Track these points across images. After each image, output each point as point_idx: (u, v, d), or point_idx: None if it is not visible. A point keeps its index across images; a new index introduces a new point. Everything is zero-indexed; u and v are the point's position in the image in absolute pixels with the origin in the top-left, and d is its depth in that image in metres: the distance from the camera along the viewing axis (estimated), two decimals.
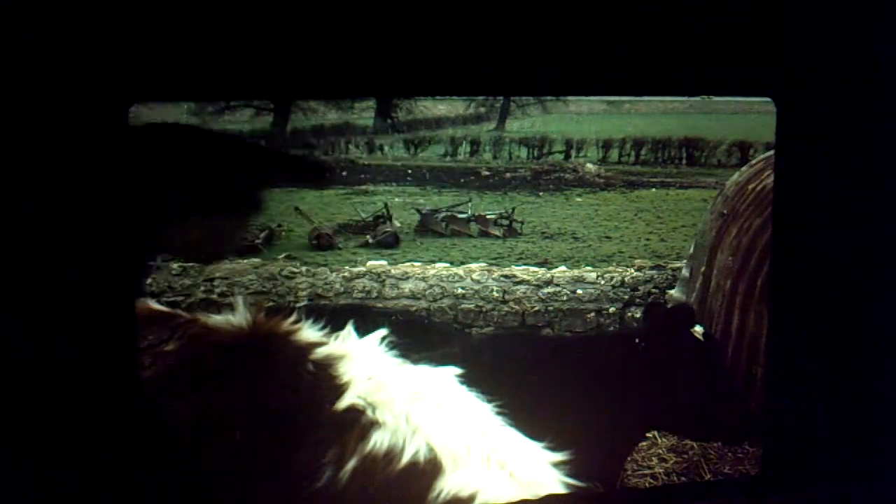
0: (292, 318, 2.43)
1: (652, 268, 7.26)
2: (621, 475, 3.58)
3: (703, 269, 4.84)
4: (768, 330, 2.10)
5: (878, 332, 1.91)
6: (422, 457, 2.07)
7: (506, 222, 14.09)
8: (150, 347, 2.33)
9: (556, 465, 2.14)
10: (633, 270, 7.24)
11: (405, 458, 2.07)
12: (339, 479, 2.08)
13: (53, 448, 1.78)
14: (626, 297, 7.05)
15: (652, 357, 3.15)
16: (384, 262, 7.74)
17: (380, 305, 6.88)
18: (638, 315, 6.65)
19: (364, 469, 2.07)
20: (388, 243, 12.55)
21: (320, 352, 2.33)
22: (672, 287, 6.35)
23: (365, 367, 2.28)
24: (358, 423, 2.14)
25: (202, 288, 6.93)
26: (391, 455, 2.08)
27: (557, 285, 7.20)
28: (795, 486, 1.94)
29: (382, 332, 2.41)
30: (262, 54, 1.67)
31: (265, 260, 8.94)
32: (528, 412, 2.30)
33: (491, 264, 8.74)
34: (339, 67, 1.68)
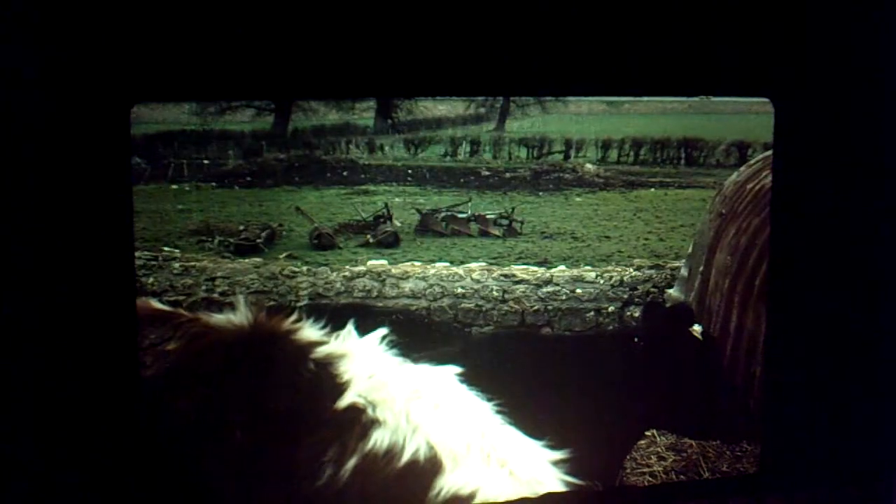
0: (293, 318, 2.43)
1: (651, 267, 7.26)
2: (620, 473, 3.58)
3: (701, 268, 4.84)
4: (767, 329, 2.11)
5: (877, 332, 1.92)
6: (422, 455, 2.08)
7: (506, 222, 14.06)
8: (151, 347, 2.34)
9: (556, 463, 2.15)
10: (631, 270, 7.24)
11: (405, 457, 2.08)
12: (340, 477, 2.08)
13: (54, 447, 1.79)
14: (625, 296, 7.05)
15: (651, 356, 3.15)
16: (384, 262, 7.74)
17: (380, 305, 6.88)
18: (637, 314, 6.65)
19: (364, 467, 2.08)
20: (389, 243, 12.52)
21: (321, 351, 2.33)
22: (671, 286, 6.35)
23: (365, 365, 2.29)
24: (358, 421, 2.15)
25: (203, 287, 6.93)
26: (391, 453, 2.09)
27: (557, 284, 7.20)
28: (795, 486, 1.95)
29: (383, 331, 2.42)
30: (262, 54, 1.68)
31: (266, 259, 8.92)
32: (527, 411, 2.31)
33: (491, 264, 8.73)
34: (339, 67, 1.69)
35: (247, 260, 8.43)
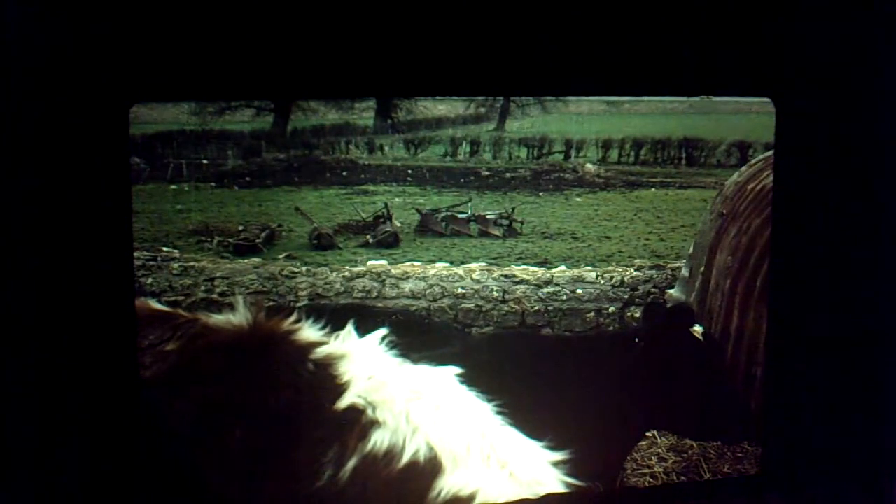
0: (292, 318, 2.43)
1: (651, 268, 7.25)
2: (621, 474, 3.57)
3: (702, 268, 4.84)
4: (768, 330, 2.10)
5: (877, 332, 1.91)
6: (422, 456, 2.07)
7: (506, 222, 14.05)
8: (150, 347, 2.33)
9: (556, 464, 2.15)
10: (632, 270, 7.24)
11: (405, 458, 2.07)
12: (340, 478, 2.08)
13: (53, 448, 1.78)
14: (626, 296, 7.04)
15: (651, 357, 3.15)
16: (384, 262, 7.74)
17: (380, 305, 6.88)
18: (637, 315, 6.65)
19: (364, 468, 2.08)
20: (389, 243, 12.52)
21: (320, 351, 2.33)
22: (671, 287, 6.34)
23: (365, 366, 2.29)
24: (358, 422, 2.15)
25: (203, 287, 6.93)
26: (391, 454, 2.08)
27: (557, 285, 7.19)
28: (795, 486, 1.95)
29: (382, 331, 2.42)
30: (262, 54, 1.67)
31: (265, 260, 8.90)
32: (527, 412, 2.30)
33: (491, 264, 8.73)
34: (339, 67, 1.68)
35: (246, 260, 8.42)
